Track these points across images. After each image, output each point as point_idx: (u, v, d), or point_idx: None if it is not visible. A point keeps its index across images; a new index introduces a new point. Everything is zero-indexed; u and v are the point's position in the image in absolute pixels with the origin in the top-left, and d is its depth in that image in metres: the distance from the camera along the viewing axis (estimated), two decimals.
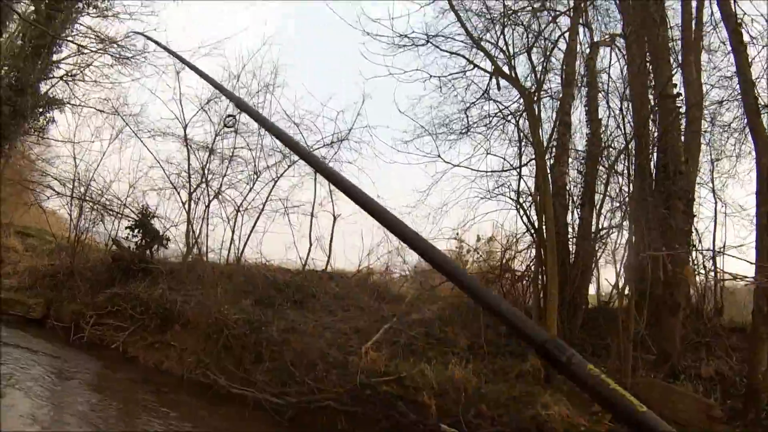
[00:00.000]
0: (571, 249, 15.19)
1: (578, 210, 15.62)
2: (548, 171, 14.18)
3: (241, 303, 15.80)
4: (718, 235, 15.18)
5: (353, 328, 14.90)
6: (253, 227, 19.60)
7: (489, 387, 12.19)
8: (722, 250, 14.31)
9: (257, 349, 13.90)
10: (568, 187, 15.63)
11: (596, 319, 14.82)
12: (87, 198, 21.25)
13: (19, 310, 19.10)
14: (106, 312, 17.45)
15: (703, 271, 14.19)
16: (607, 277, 19.07)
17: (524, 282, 16.51)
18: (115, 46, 22.02)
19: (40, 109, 23.02)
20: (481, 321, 14.43)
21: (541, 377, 12.46)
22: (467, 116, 16.79)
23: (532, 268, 15.70)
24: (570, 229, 15.40)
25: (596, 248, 15.13)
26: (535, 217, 14.91)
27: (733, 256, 12.84)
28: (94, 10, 22.80)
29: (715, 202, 15.21)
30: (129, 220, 20.21)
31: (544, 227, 13.74)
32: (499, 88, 15.80)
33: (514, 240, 16.64)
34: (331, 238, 19.74)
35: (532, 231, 15.47)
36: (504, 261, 16.68)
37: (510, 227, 17.40)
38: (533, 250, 15.89)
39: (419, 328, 15.15)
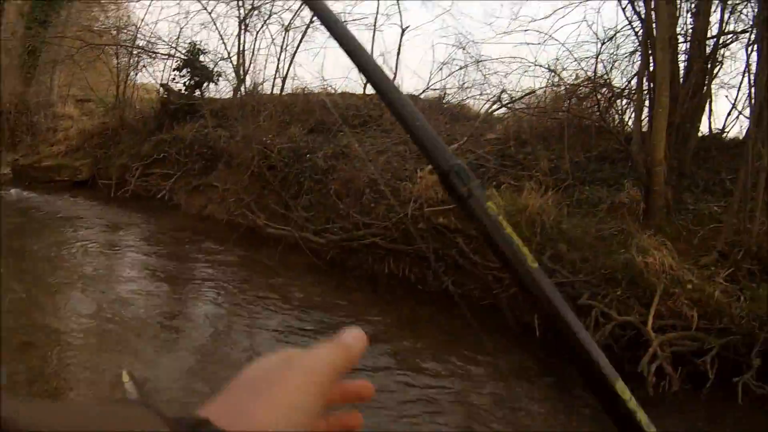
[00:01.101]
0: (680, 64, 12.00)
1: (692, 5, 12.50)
2: None
3: (289, 131, 14.62)
4: None
5: (414, 150, 12.87)
6: (300, 42, 18.34)
7: (572, 222, 10.14)
8: None
9: (299, 180, 12.71)
10: None
11: (708, 150, 12.42)
12: (133, 45, 20.79)
13: (65, 176, 19.40)
14: (152, 161, 17.40)
15: None
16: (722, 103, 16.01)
17: (623, 100, 13.86)
18: None
19: None
20: (565, 140, 11.72)
21: (640, 212, 10.22)
22: None
23: (634, 82, 12.74)
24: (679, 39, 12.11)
25: (713, 62, 12.05)
26: (642, 6, 11.68)
27: None
28: None
29: None
30: (178, 61, 19.35)
31: (653, 18, 10.55)
32: None
33: (611, 41, 13.48)
34: (398, 54, 17.32)
35: (637, 27, 12.61)
36: (596, 71, 13.89)
37: (609, 23, 14.08)
38: (637, 57, 13.13)
39: (492, 148, 12.63)
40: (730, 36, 12.33)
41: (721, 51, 12.29)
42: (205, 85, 19.32)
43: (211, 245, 12.55)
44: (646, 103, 11.64)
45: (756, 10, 10.92)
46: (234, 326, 9.04)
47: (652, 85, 10.97)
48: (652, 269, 8.43)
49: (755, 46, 10.51)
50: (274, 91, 18.34)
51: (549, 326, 0.74)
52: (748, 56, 11.16)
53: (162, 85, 20.10)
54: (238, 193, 13.98)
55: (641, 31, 12.14)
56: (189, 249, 12.57)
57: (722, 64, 12.58)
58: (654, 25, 10.69)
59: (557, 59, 16.93)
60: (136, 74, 22.15)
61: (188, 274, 11.09)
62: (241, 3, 17.99)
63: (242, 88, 17.91)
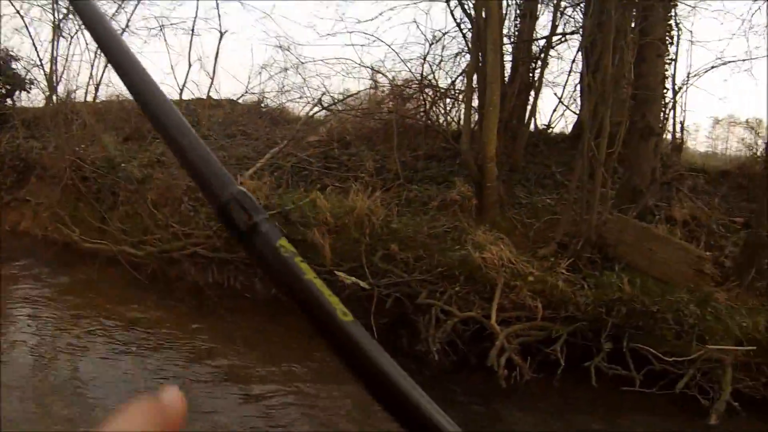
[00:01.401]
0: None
1: (519, 8, 12.77)
2: None
3: (103, 140, 13.88)
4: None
5: (234, 156, 12.67)
6: None
7: (402, 221, 9.69)
8: (686, 81, 11.87)
9: (114, 191, 11.89)
10: None
11: (537, 146, 12.68)
12: None
13: None
14: None
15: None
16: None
17: (447, 100, 13.62)
18: None
19: None
20: (394, 140, 11.36)
21: (473, 208, 9.94)
22: None
23: (460, 81, 12.62)
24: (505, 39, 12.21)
25: (544, 62, 12.04)
26: (471, 7, 11.57)
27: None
28: None
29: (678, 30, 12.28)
30: None
31: (483, 17, 10.37)
32: None
33: (438, 42, 13.39)
34: (216, 58, 16.41)
35: (465, 29, 12.67)
36: (422, 72, 13.63)
37: (435, 24, 13.97)
38: (462, 58, 13.10)
39: (314, 150, 12.12)
40: (559, 37, 12.51)
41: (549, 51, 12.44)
42: (16, 93, 18.08)
43: (25, 264, 11.31)
44: (475, 101, 11.45)
45: (584, 13, 11.13)
46: (52, 351, 7.95)
47: (480, 84, 10.79)
48: (491, 264, 8.16)
49: (584, 48, 10.64)
50: (88, 99, 17.03)
51: (374, 390, 0.57)
52: (575, 56, 11.32)
53: None
54: (52, 207, 12.81)
55: (469, 33, 12.06)
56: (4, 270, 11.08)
57: (548, 63, 12.80)
58: (484, 26, 10.53)
59: (382, 61, 16.79)
60: None
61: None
62: (56, 6, 16.52)
63: (55, 96, 16.56)
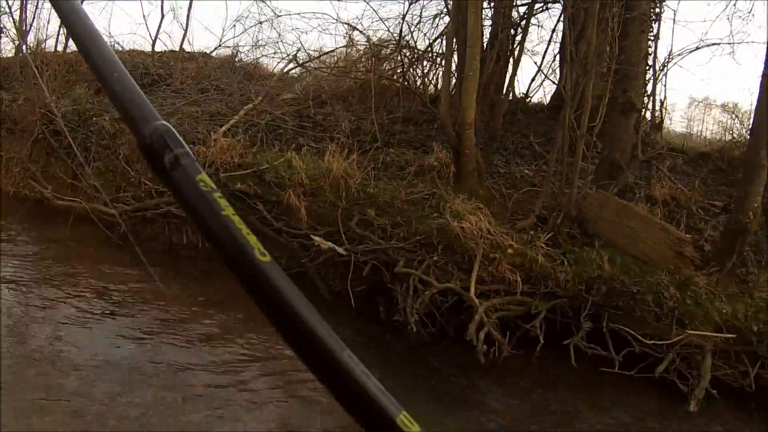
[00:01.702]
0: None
1: None
2: None
3: (75, 93, 13.21)
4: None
5: (207, 112, 12.20)
6: None
7: (380, 186, 9.53)
8: (669, 59, 11.74)
9: (86, 145, 11.34)
10: None
11: (515, 114, 12.51)
12: None
13: None
14: None
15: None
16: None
17: (425, 62, 13.31)
18: None
19: None
20: (371, 101, 11.15)
21: (451, 176, 9.83)
22: None
23: (439, 44, 12.36)
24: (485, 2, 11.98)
25: (525, 29, 11.75)
26: None
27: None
28: None
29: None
30: None
31: None
32: None
33: (416, 1, 13.13)
34: (189, 8, 16.45)
35: None
36: (401, 32, 13.23)
37: None
38: (440, 21, 12.87)
39: (289, 108, 11.79)
40: (540, 4, 12.29)
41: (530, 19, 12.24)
42: None
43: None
44: (453, 66, 11.23)
45: None
46: (25, 313, 7.67)
47: (460, 48, 10.56)
48: (469, 234, 8.06)
49: (567, 17, 10.46)
50: (59, 49, 16.34)
51: (286, 333, 0.59)
52: (556, 25, 11.12)
53: None
54: (23, 162, 12.35)
55: None
56: None
57: (529, 31, 12.54)
58: None
59: (359, 18, 16.49)
60: None
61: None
62: None
63: (24, 46, 15.89)
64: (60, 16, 0.72)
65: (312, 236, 8.61)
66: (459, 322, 7.43)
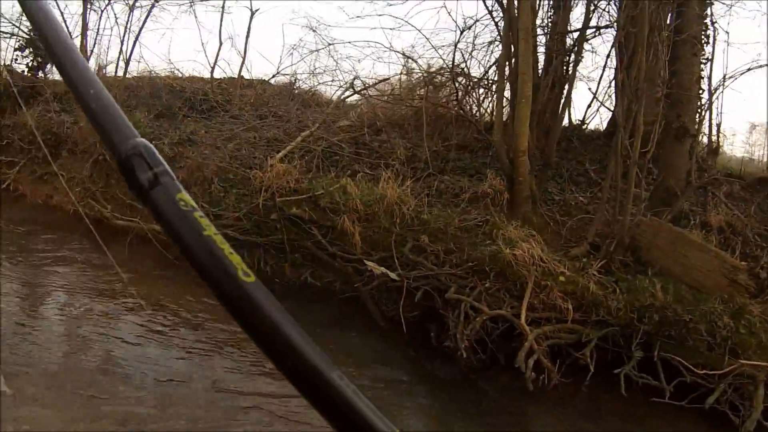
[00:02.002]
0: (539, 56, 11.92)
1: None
2: None
3: (134, 117, 13.55)
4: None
5: (264, 138, 12.42)
6: (145, 22, 16.82)
7: (433, 212, 9.56)
8: (722, 82, 11.54)
9: None
10: None
11: (570, 141, 12.47)
12: None
13: None
14: None
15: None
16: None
17: (481, 90, 13.47)
18: None
19: None
20: (424, 129, 11.31)
21: (504, 203, 9.85)
22: None
23: (493, 71, 12.38)
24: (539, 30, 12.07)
25: (577, 55, 11.79)
26: None
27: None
28: None
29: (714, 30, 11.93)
30: (21, 41, 17.76)
31: (516, 9, 10.21)
32: None
33: (469, 30, 13.18)
34: (247, 37, 16.81)
35: (497, 17, 12.42)
36: (454, 60, 13.47)
37: (468, 11, 13.75)
38: (495, 47, 12.91)
39: (345, 135, 12.00)
40: (593, 31, 12.24)
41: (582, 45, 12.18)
42: (48, 66, 17.71)
43: (57, 239, 11.39)
44: (507, 93, 11.29)
45: (618, 6, 10.86)
46: (84, 331, 7.85)
47: (512, 76, 10.61)
48: (522, 261, 8.04)
49: (617, 42, 10.44)
50: (118, 74, 17.06)
51: (273, 355, 0.58)
52: (610, 51, 11.08)
53: (5, 65, 18.18)
54: (83, 182, 12.73)
55: (501, 21, 11.81)
56: (33, 244, 11.22)
57: (583, 57, 12.49)
58: (516, 16, 10.34)
59: (413, 46, 16.64)
60: None
61: (33, 272, 9.85)
62: None
63: None
64: (29, 20, 0.73)
65: (365, 261, 8.67)
66: (509, 349, 7.36)
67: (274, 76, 16.80)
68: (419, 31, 15.33)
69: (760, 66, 11.68)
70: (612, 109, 12.33)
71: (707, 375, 6.79)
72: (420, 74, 13.94)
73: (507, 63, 10.80)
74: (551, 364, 7.10)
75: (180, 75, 16.87)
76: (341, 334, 7.98)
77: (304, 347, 0.58)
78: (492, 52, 13.35)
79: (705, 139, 12.02)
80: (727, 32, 12.95)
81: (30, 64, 17.60)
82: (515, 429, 6.70)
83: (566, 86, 11.89)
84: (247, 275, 0.59)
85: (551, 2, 12.56)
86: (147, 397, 6.38)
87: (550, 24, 12.49)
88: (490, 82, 13.19)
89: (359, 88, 14.18)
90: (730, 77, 11.77)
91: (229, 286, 0.58)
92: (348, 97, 14.79)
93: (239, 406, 6.39)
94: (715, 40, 11.46)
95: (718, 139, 12.23)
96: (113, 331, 7.87)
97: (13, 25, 17.70)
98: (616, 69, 10.73)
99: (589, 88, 14.82)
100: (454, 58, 13.35)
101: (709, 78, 11.26)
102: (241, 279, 0.58)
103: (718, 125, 12.30)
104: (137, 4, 16.83)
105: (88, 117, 0.67)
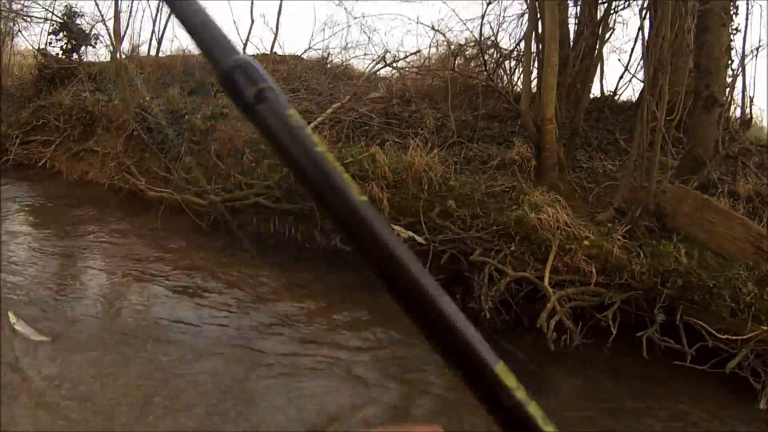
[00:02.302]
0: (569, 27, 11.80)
1: None
2: None
3: (168, 93, 13.90)
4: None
5: (297, 110, 11.41)
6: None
7: (460, 179, 9.54)
8: (755, 52, 11.29)
9: (178, 141, 11.89)
10: None
11: (602, 111, 12.44)
12: (9, 8, 19.40)
13: None
14: (32, 128, 16.14)
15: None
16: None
17: (511, 61, 13.38)
18: None
19: None
20: (449, 98, 11.24)
21: (531, 169, 9.87)
22: None
23: (522, 44, 12.31)
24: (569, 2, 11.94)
25: (605, 27, 11.72)
26: None
27: None
28: None
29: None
30: (55, 25, 18.26)
31: None
32: None
33: (497, 2, 13.18)
34: (279, 13, 17.02)
35: None
36: (481, 32, 13.43)
37: None
38: (524, 20, 12.89)
39: (375, 106, 12.03)
40: (622, 1, 12.09)
41: (613, 16, 12.05)
42: (82, 48, 18.25)
43: (94, 212, 11.69)
44: (535, 63, 11.20)
45: None
46: (123, 294, 8.18)
47: (540, 46, 10.52)
48: (546, 225, 7.98)
49: (648, 12, 10.30)
50: (152, 53, 17.62)
51: (383, 273, 0.55)
52: (642, 21, 10.91)
53: (39, 49, 18.77)
54: (118, 157, 13.13)
55: None
56: (72, 217, 11.53)
57: (614, 29, 12.39)
58: None
59: (442, 19, 16.57)
60: (12, 39, 20.88)
61: (73, 243, 10.11)
62: None
63: (119, 51, 16.68)
64: None
65: (393, 226, 8.68)
66: (533, 311, 7.36)
67: (305, 51, 16.98)
68: (445, 2, 15.29)
69: None
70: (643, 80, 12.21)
71: (729, 340, 6.67)
72: (450, 46, 13.86)
73: (534, 33, 10.73)
74: (573, 326, 7.09)
75: None
76: (371, 297, 7.93)
77: (416, 271, 0.56)
78: (522, 24, 13.30)
79: (738, 111, 11.85)
80: (761, 5, 12.72)
81: (64, 47, 17.96)
82: (537, 388, 6.70)
83: (595, 57, 11.78)
84: (362, 194, 0.57)
85: None
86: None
87: None
88: (520, 54, 13.08)
89: (390, 61, 14.16)
90: (762, 48, 11.56)
91: (342, 204, 0.56)
92: (379, 69, 14.80)
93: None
94: (747, 10, 11.27)
95: (750, 110, 12.00)
96: (151, 292, 8.13)
97: (47, 10, 18.25)
98: (647, 40, 10.61)
99: (619, 59, 14.65)
100: (481, 30, 13.31)
101: (743, 49, 11.07)
102: (355, 197, 0.57)
103: (751, 97, 12.10)
104: None
105: (189, 33, 0.64)
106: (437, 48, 14.38)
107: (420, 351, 6.83)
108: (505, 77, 13.67)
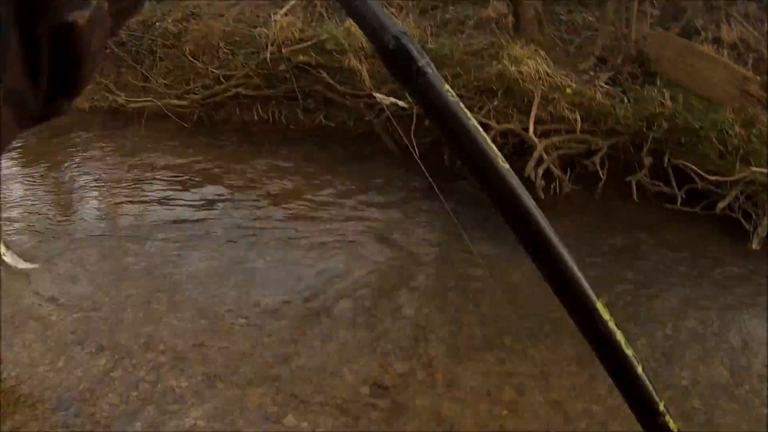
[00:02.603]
0: None
1: None
2: None
3: None
4: None
5: None
6: None
7: (438, 42, 9.26)
8: None
9: (152, 49, 11.49)
10: None
11: None
12: None
13: None
14: None
15: None
16: None
17: None
18: None
19: None
20: None
21: (509, 24, 9.52)
22: None
23: None
24: None
25: None
26: None
27: None
28: None
29: None
30: None
31: None
32: None
33: None
34: None
35: None
36: None
37: None
38: None
39: None
40: None
41: None
42: None
43: (79, 133, 11.18)
44: None
45: None
46: (119, 202, 8.06)
47: None
48: (528, 77, 7.78)
49: None
50: None
51: (524, 238, 0.65)
52: None
53: None
54: (94, 77, 12.25)
55: None
56: (58, 144, 10.91)
57: None
58: None
59: None
60: None
61: (67, 173, 9.74)
62: None
63: None
64: None
65: (374, 94, 8.56)
66: (522, 164, 7.17)
67: None
68: None
69: None
70: None
71: (719, 182, 6.70)
72: None
73: None
74: (562, 173, 7.05)
75: None
76: (360, 166, 8.11)
77: (551, 233, 0.64)
78: None
79: None
80: None
81: None
82: None
83: None
84: (504, 162, 0.63)
85: None
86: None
87: None
88: None
89: None
90: None
91: (490, 171, 0.62)
92: None
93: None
94: None
95: None
96: (144, 193, 8.09)
97: None
98: None
99: None
100: None
101: None
102: (501, 165, 0.63)
103: None
104: None
105: (349, 14, 0.66)
106: None
107: (401, 215, 7.06)
108: None
